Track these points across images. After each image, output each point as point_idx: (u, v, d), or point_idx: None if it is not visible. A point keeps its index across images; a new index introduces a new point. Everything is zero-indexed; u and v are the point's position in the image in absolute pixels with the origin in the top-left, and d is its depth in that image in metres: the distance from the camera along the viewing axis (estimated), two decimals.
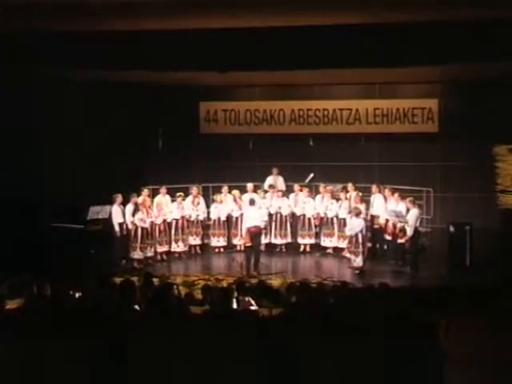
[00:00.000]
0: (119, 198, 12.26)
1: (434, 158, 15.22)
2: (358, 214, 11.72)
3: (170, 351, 4.93)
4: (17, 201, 11.67)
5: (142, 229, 12.18)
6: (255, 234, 11.86)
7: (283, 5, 9.24)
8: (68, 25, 10.02)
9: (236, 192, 13.48)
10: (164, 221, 12.77)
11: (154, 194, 13.54)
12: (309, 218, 13.38)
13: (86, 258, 11.71)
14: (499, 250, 11.68)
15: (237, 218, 13.39)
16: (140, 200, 12.43)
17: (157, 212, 12.64)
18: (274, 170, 14.45)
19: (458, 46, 9.91)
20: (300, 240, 13.45)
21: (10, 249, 10.71)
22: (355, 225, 11.62)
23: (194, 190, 13.53)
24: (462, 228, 11.74)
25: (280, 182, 14.37)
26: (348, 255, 12.19)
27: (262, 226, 12.28)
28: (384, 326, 5.04)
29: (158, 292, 6.40)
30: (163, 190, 13.17)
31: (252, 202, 12.21)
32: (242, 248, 13.22)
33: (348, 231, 11.80)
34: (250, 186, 13.70)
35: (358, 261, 11.54)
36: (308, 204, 13.40)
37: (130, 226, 12.16)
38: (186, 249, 13.21)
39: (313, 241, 13.41)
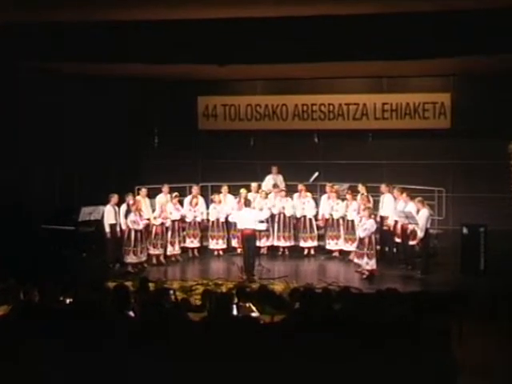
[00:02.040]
0: (114, 198, 12.29)
1: (446, 156, 15.21)
2: (371, 215, 11.75)
3: (166, 359, 4.94)
4: (3, 201, 11.69)
5: (136, 231, 12.17)
6: (248, 237, 11.85)
7: None
8: (58, 15, 10.04)
9: (243, 191, 13.45)
10: (162, 223, 12.77)
11: (149, 193, 13.55)
12: (310, 219, 13.38)
13: (78, 262, 11.74)
14: None
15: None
16: (131, 201, 12.42)
17: (159, 212, 12.65)
18: (274, 169, 14.46)
19: (473, 37, 9.88)
20: (302, 243, 13.45)
21: None
22: (369, 225, 11.63)
23: (195, 189, 13.52)
24: (475, 230, 11.73)
25: (280, 182, 14.38)
26: (356, 259, 12.18)
27: (261, 228, 12.26)
28: (393, 332, 5.06)
29: (153, 297, 6.42)
30: (165, 188, 13.18)
31: (247, 204, 12.20)
32: (243, 251, 13.25)
33: (362, 232, 11.78)
34: (254, 185, 13.70)
35: (371, 263, 11.55)
36: (307, 204, 13.40)
37: (123, 228, 12.19)
38: (183, 252, 13.21)
39: (315, 243, 13.41)
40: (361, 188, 13.14)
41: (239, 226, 12.09)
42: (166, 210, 12.81)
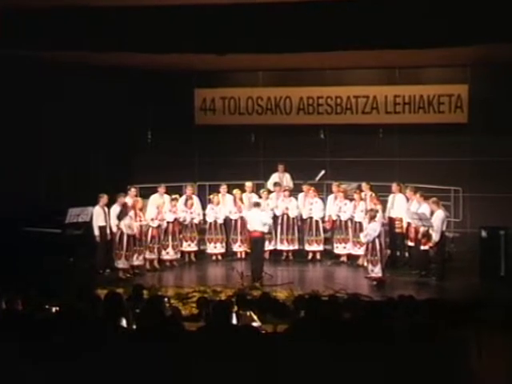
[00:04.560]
0: (104, 198, 12.27)
1: (463, 153, 15.19)
2: (372, 217, 11.69)
3: (161, 371, 4.94)
4: None
5: (129, 234, 12.13)
6: (257, 239, 11.88)
7: None
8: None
9: (237, 191, 13.46)
10: (159, 225, 12.75)
11: (142, 193, 13.55)
12: (316, 221, 13.35)
13: (64, 267, 11.73)
14: None
15: (236, 222, 13.38)
16: (130, 202, 12.38)
17: (155, 214, 12.63)
18: (280, 167, 14.44)
19: (492, 23, 9.84)
20: (307, 247, 13.44)
21: None
22: (371, 230, 11.60)
23: (189, 189, 13.52)
24: (495, 233, 11.72)
25: (287, 180, 14.36)
26: (365, 264, 12.18)
27: (266, 231, 12.29)
28: (407, 343, 5.05)
29: (147, 306, 6.41)
30: (162, 189, 13.17)
31: (257, 204, 12.24)
32: (243, 255, 13.24)
33: (363, 237, 11.79)
34: (248, 184, 13.68)
35: (377, 270, 11.54)
36: (315, 205, 13.37)
37: (114, 230, 12.15)
38: (179, 256, 13.21)
39: (321, 247, 13.39)
40: (365, 187, 13.10)
41: (249, 228, 12.12)
42: (162, 211, 12.78)
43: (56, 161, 13.86)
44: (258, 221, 11.92)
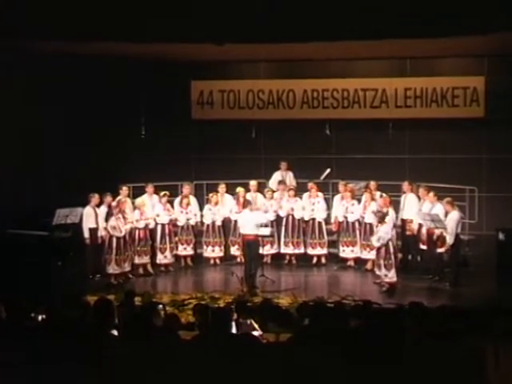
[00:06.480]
0: (95, 198, 12.27)
1: (479, 150, 15.20)
2: (381, 219, 11.66)
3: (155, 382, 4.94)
4: None
5: (118, 237, 12.10)
6: (250, 242, 11.82)
7: None
8: None
9: (241, 190, 13.40)
10: (146, 226, 12.73)
11: (135, 192, 13.54)
12: (319, 223, 13.33)
13: (52, 272, 11.72)
14: None
15: (236, 222, 13.36)
16: (114, 202, 12.35)
17: (138, 215, 12.60)
18: (283, 165, 14.44)
19: (508, 11, 9.85)
20: (310, 250, 13.41)
21: None
22: (383, 232, 11.58)
23: (186, 188, 13.50)
24: None
25: (290, 179, 14.35)
26: (375, 268, 12.17)
27: (268, 233, 12.25)
28: (419, 353, 5.04)
29: (140, 313, 6.40)
30: (150, 188, 13.18)
31: (247, 204, 12.16)
32: (243, 259, 13.23)
33: (375, 241, 11.74)
34: (253, 183, 13.66)
35: (391, 275, 11.51)
36: (317, 205, 13.34)
37: (103, 233, 12.14)
38: (174, 260, 13.19)
39: (324, 251, 13.36)
40: (372, 185, 13.09)
41: (240, 231, 12.05)
42: (145, 211, 12.70)
43: (44, 158, 13.85)
44: (249, 223, 11.82)
